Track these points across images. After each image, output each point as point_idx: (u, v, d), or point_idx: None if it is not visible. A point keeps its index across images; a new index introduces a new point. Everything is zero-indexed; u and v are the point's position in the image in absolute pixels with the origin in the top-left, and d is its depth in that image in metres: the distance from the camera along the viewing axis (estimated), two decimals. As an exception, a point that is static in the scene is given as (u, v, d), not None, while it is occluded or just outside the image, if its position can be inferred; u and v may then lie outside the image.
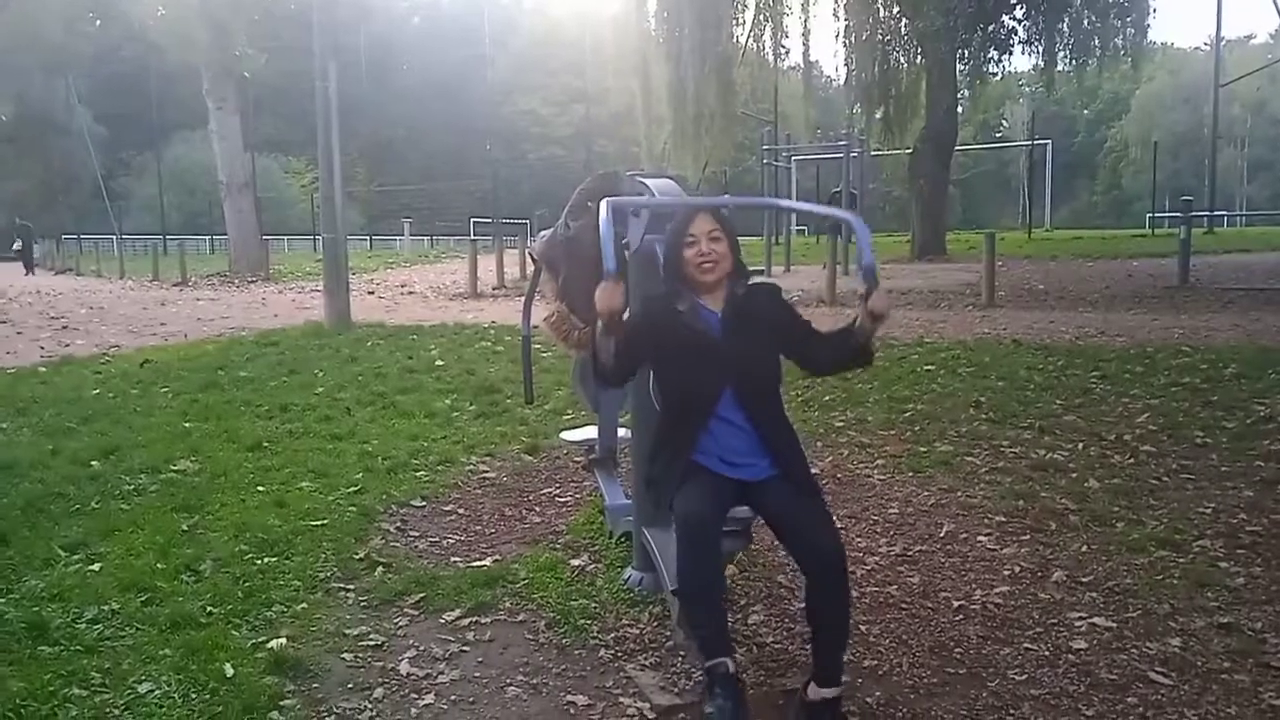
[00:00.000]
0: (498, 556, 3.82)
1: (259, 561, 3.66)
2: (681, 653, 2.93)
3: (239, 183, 24.15)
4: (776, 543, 3.10)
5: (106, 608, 3.21)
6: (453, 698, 2.72)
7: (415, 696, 2.73)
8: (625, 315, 2.59)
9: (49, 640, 2.98)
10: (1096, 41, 19.14)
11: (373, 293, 17.56)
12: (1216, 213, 32.94)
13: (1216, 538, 3.81)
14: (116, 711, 2.59)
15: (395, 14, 58.02)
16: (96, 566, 3.59)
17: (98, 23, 48.70)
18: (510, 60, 55.93)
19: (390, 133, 51.80)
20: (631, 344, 2.67)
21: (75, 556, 3.71)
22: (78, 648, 2.94)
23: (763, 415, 2.68)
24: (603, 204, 2.79)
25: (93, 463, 5.08)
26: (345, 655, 2.96)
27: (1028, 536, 3.91)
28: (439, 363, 8.48)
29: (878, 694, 2.72)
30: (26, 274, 29.04)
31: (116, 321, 13.60)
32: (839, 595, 2.51)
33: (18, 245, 30.45)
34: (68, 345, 10.51)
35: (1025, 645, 2.97)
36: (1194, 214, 16.47)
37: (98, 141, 45.90)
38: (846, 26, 21.83)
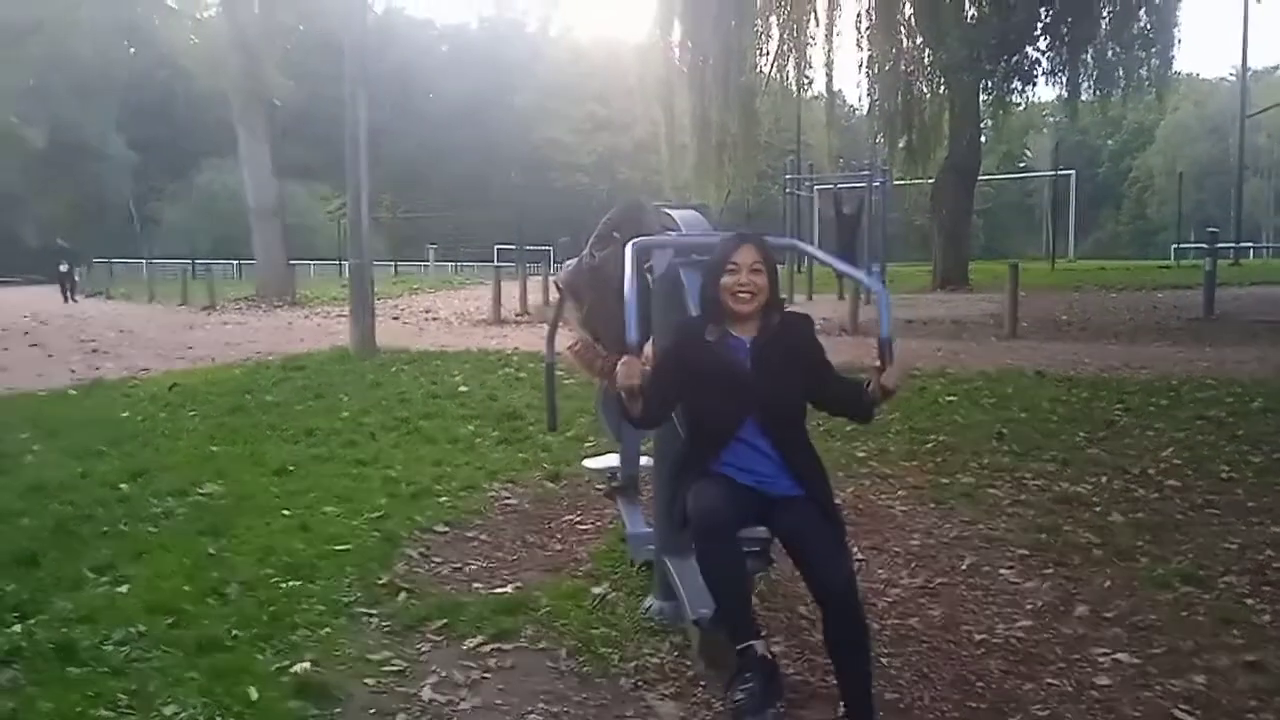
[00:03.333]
0: (519, 584, 3.84)
1: (284, 585, 3.69)
2: (702, 683, 2.93)
3: (267, 208, 24.46)
4: (797, 573, 3.11)
5: (134, 629, 3.24)
6: (474, 724, 2.74)
7: (437, 723, 2.74)
8: (648, 350, 2.63)
9: (77, 661, 3.02)
10: (1121, 72, 19.08)
11: (397, 318, 17.70)
12: (1243, 244, 32.68)
13: (1242, 574, 3.77)
14: (143, 733, 2.62)
15: (423, 42, 58.72)
16: (124, 588, 3.64)
17: (131, 50, 49.62)
18: (536, 88, 56.44)
19: (416, 159, 52.29)
20: (660, 388, 2.70)
21: (104, 578, 3.76)
22: (105, 669, 2.97)
23: (787, 441, 2.69)
24: (627, 250, 2.82)
25: (121, 485, 5.14)
26: (368, 680, 2.98)
27: (1051, 570, 3.89)
28: (462, 388, 8.54)
29: (899, 728, 2.71)
30: (66, 301, 25.78)
31: (145, 345, 13.77)
32: (853, 626, 2.51)
33: (64, 267, 26.94)
34: (98, 368, 10.65)
35: (1048, 680, 2.95)
36: (1219, 245, 16.36)
37: (129, 167, 46.62)
38: (869, 57, 21.94)
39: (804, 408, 2.82)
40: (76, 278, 28.58)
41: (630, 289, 2.72)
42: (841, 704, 2.59)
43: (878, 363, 2.65)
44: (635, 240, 2.91)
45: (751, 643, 2.51)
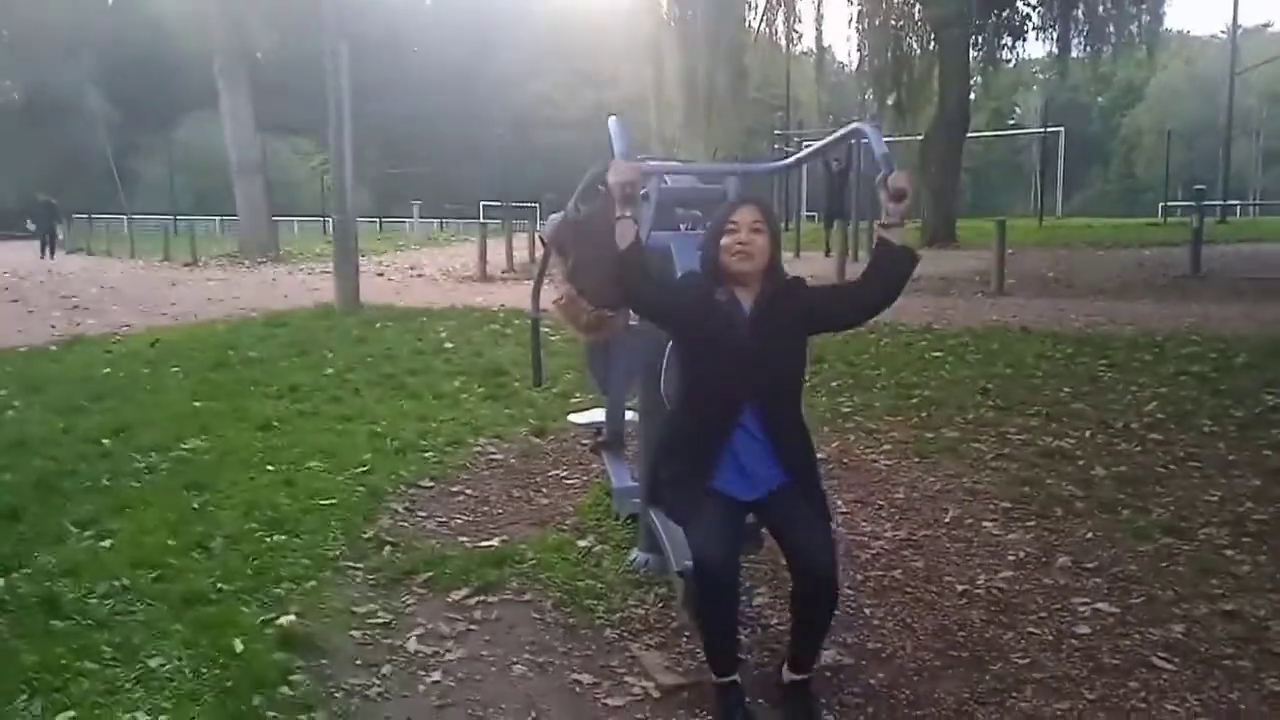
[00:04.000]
0: (505, 537, 3.85)
1: (268, 539, 3.69)
2: (686, 633, 2.95)
3: (250, 164, 24.15)
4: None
5: (118, 583, 3.24)
6: (460, 675, 2.75)
7: (423, 674, 2.75)
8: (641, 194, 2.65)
9: (61, 615, 3.01)
10: (1111, 28, 19.01)
11: (382, 274, 17.58)
12: (1230, 202, 32.72)
13: (1222, 525, 3.82)
14: (127, 685, 2.63)
15: (407, -3, 57.89)
16: (108, 543, 3.63)
17: (109, 2, 48.71)
18: (522, 44, 55.70)
19: (401, 115, 51.72)
20: (662, 279, 2.69)
21: (87, 533, 3.75)
22: (89, 622, 2.97)
23: (782, 422, 2.62)
24: (612, 119, 2.82)
25: (104, 441, 5.12)
26: (354, 632, 2.99)
27: (1033, 522, 3.93)
28: (448, 345, 8.51)
29: (880, 676, 2.74)
30: (43, 256, 24.99)
31: (127, 301, 13.65)
32: (825, 610, 2.52)
33: (32, 226, 26.17)
34: (79, 324, 10.56)
35: (1028, 629, 2.99)
36: (1207, 203, 16.34)
37: (109, 122, 45.94)
38: (859, 11, 21.76)
39: (801, 381, 2.73)
40: (60, 235, 27.57)
41: (616, 125, 2.79)
42: (788, 650, 2.62)
43: (881, 174, 2.57)
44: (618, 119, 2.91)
45: (735, 678, 2.54)
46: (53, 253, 26.03)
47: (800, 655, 2.58)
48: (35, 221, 27.17)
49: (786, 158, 24.93)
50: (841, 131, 3.34)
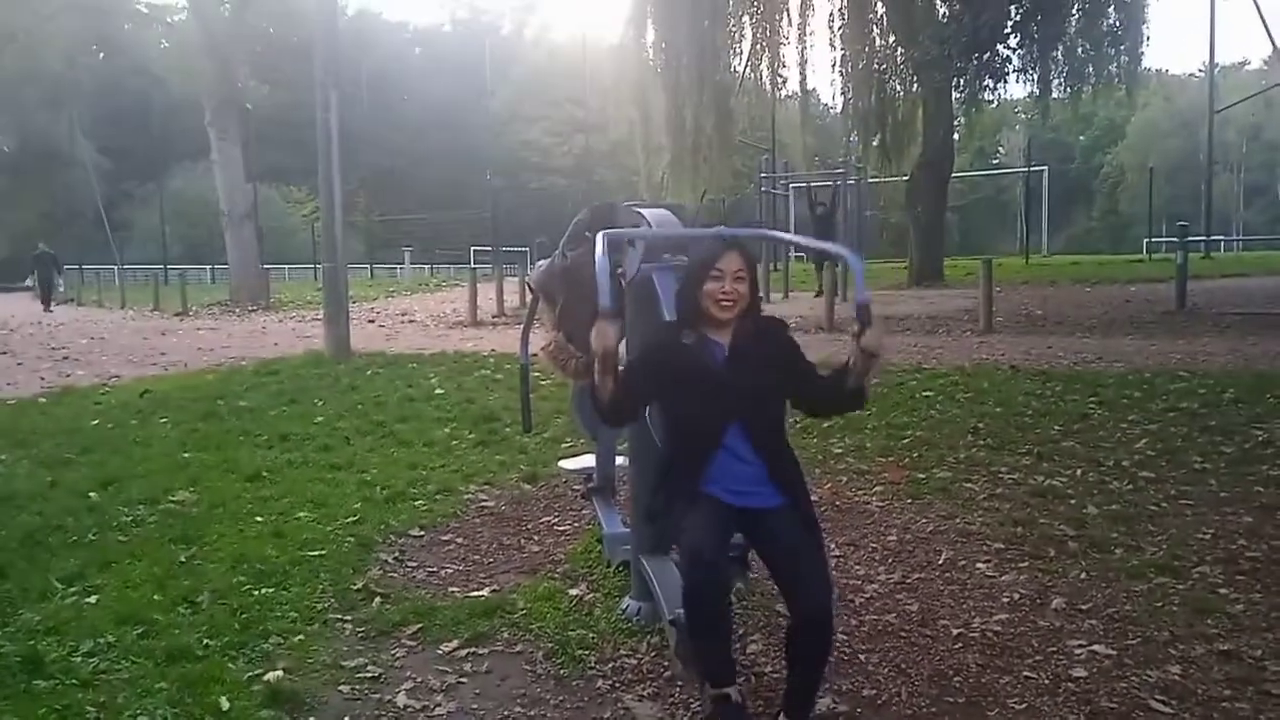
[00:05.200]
0: (496, 586, 3.81)
1: (256, 593, 3.65)
2: (680, 683, 2.91)
3: (240, 212, 24.24)
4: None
5: (103, 640, 3.20)
6: (450, 730, 2.71)
7: (412, 729, 2.71)
8: (622, 351, 2.61)
9: (44, 674, 2.97)
10: (1091, 69, 19.24)
11: (373, 321, 17.58)
12: (1213, 238, 32.99)
13: (1216, 564, 3.80)
14: (111, 746, 2.58)
15: (397, 45, 58.47)
16: (93, 599, 3.59)
17: (101, 55, 49.10)
18: (511, 90, 56.32)
19: (391, 162, 52.06)
20: (631, 387, 2.67)
21: (72, 589, 3.70)
22: (73, 681, 2.93)
23: (769, 448, 2.67)
24: (598, 237, 2.81)
25: (91, 494, 5.08)
26: (342, 687, 2.95)
27: (1026, 563, 3.91)
28: (438, 391, 8.49)
29: (876, 724, 2.70)
30: (47, 309, 24.07)
31: (117, 351, 13.62)
32: (821, 648, 2.52)
33: (30, 281, 25.27)
34: (68, 375, 10.52)
35: (1025, 674, 2.96)
36: (1190, 239, 16.49)
37: (100, 172, 46.12)
38: (843, 55, 21.98)
39: (785, 411, 2.79)
40: (61, 286, 26.58)
41: (601, 260, 2.71)
42: (783, 698, 2.61)
43: (855, 328, 2.58)
44: (605, 232, 2.90)
45: (727, 690, 2.52)
46: (49, 305, 24.95)
47: (796, 702, 2.55)
48: (36, 271, 26.05)
49: (774, 211, 25.14)
50: (831, 248, 3.46)
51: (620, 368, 2.67)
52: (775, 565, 2.61)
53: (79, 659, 3.08)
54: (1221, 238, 39.48)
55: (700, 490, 2.63)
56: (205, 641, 3.20)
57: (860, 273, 2.75)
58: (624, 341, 3.16)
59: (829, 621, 2.49)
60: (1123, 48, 19.12)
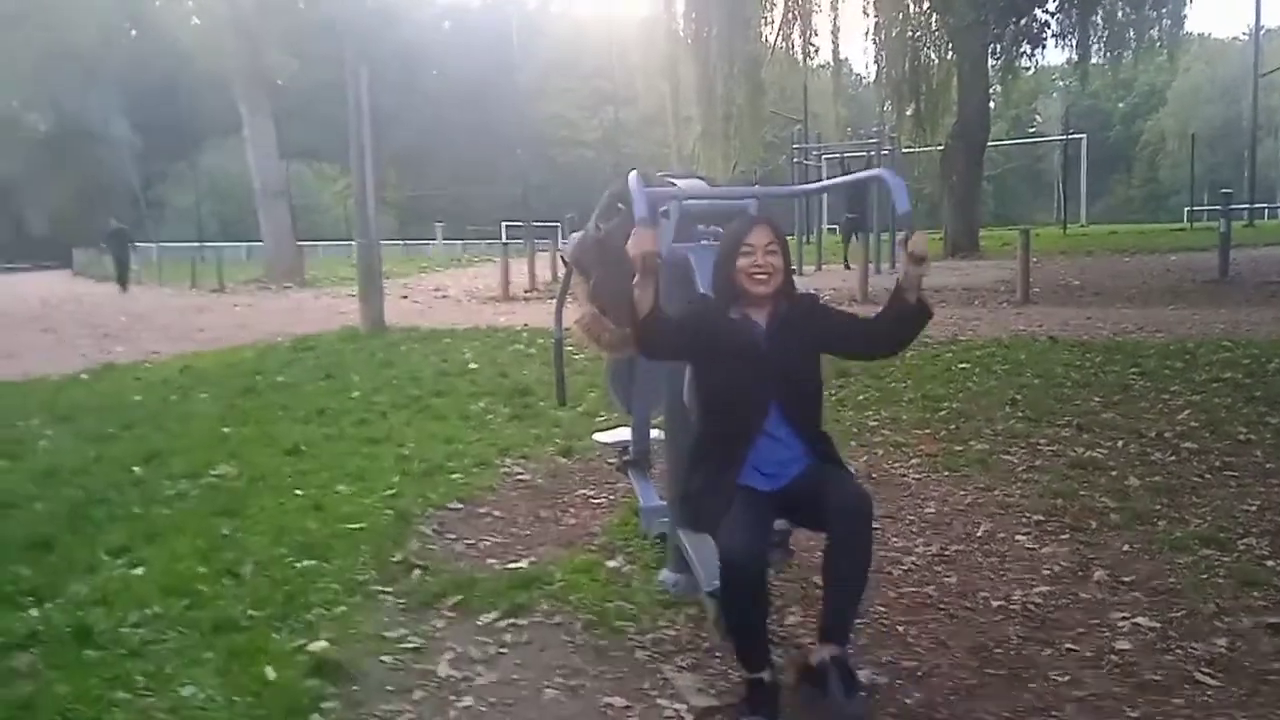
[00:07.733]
0: (534, 558, 3.83)
1: (298, 565, 3.69)
2: (718, 654, 2.92)
3: (274, 189, 24.44)
4: (812, 541, 3.10)
5: (149, 611, 3.24)
6: (491, 700, 2.73)
7: (454, 699, 2.74)
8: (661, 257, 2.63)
9: (94, 644, 3.02)
10: (1131, 33, 18.90)
11: (406, 297, 17.69)
12: (1257, 205, 32.34)
13: (1262, 535, 3.74)
14: (161, 715, 2.62)
15: (425, 20, 58.43)
16: (139, 571, 3.64)
17: (133, 33, 49.48)
18: (539, 64, 56.09)
19: (421, 138, 52.15)
20: (672, 321, 2.66)
21: (119, 561, 3.76)
22: (122, 651, 2.98)
23: (805, 428, 2.68)
24: (632, 175, 2.81)
25: (134, 468, 5.15)
26: (384, 658, 2.98)
27: (1067, 536, 3.87)
28: (472, 366, 8.53)
29: (917, 696, 2.69)
30: (123, 290, 23.15)
31: (156, 328, 13.80)
32: (860, 547, 2.47)
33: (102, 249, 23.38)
34: (109, 353, 10.68)
35: (1067, 646, 2.93)
36: (1233, 207, 16.16)
37: (134, 151, 46.59)
38: (876, 23, 21.73)
39: (822, 391, 2.79)
40: (134, 264, 25.17)
41: (635, 179, 2.74)
42: (820, 625, 2.53)
43: (901, 235, 2.64)
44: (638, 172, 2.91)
45: (760, 675, 2.50)
46: (126, 285, 23.76)
47: (834, 623, 2.48)
48: (110, 250, 25.08)
49: (806, 181, 25.01)
50: (863, 175, 3.39)
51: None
52: (811, 502, 2.57)
53: (127, 629, 3.13)
54: (1265, 205, 38.70)
55: (735, 484, 2.60)
56: (249, 613, 3.24)
57: (900, 187, 2.76)
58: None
59: (868, 511, 2.48)
60: (1165, 10, 18.73)
